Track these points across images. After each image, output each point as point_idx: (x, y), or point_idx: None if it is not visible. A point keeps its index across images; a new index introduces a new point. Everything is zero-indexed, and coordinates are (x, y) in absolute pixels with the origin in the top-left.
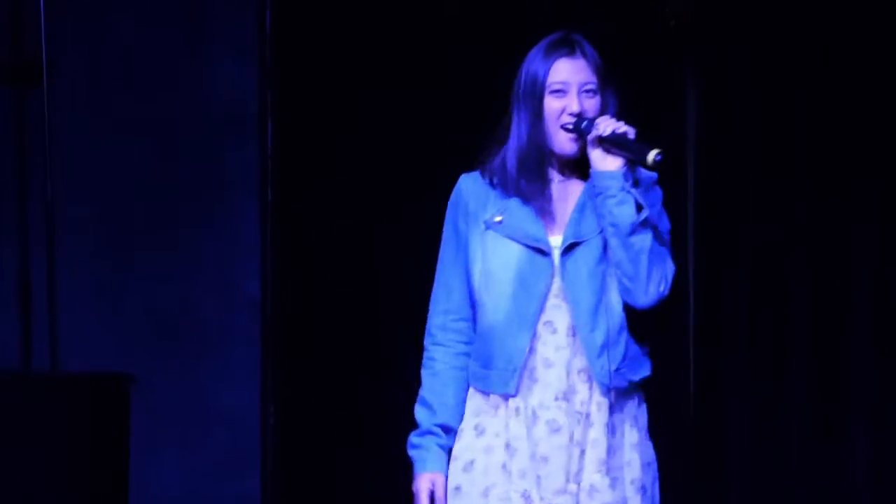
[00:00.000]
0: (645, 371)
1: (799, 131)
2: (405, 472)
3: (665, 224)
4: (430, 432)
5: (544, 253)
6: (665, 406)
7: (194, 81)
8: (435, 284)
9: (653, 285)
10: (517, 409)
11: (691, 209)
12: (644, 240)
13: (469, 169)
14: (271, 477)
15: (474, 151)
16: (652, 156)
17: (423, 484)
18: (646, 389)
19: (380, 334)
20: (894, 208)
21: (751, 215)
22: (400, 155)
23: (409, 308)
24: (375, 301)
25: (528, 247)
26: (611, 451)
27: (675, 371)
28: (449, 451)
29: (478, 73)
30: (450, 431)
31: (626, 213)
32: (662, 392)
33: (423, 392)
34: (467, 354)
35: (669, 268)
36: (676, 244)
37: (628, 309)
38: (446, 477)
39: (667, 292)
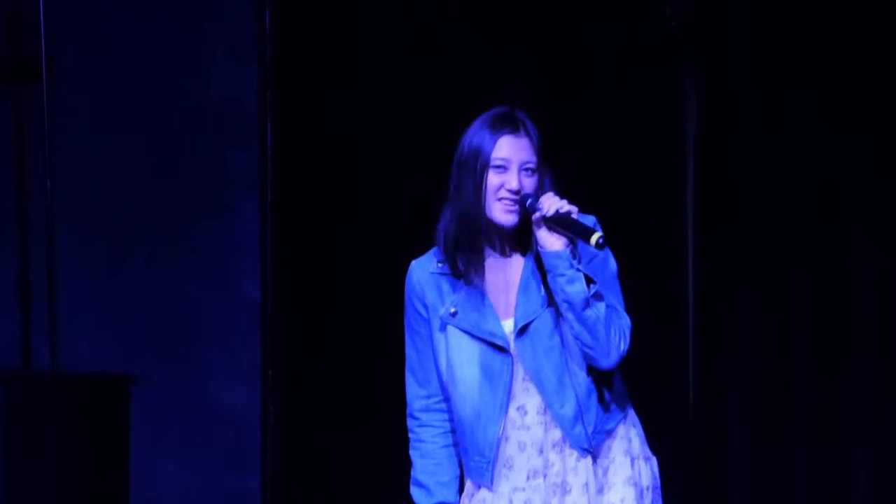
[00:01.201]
0: (622, 409)
1: (799, 131)
2: (404, 471)
3: (612, 266)
4: None
5: (504, 349)
6: (665, 411)
7: (194, 81)
8: (407, 369)
9: (613, 348)
10: (484, 501)
11: (691, 209)
12: (598, 310)
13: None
14: (271, 476)
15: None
16: (595, 239)
17: None
18: (634, 407)
19: (379, 334)
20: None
21: (750, 216)
22: (400, 154)
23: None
24: (375, 301)
25: (486, 342)
26: (592, 503)
27: (676, 374)
28: None
29: (480, 74)
30: None
31: (577, 289)
32: (662, 395)
33: (416, 473)
34: (454, 431)
35: (626, 324)
36: (676, 245)
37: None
38: None
39: (627, 348)
